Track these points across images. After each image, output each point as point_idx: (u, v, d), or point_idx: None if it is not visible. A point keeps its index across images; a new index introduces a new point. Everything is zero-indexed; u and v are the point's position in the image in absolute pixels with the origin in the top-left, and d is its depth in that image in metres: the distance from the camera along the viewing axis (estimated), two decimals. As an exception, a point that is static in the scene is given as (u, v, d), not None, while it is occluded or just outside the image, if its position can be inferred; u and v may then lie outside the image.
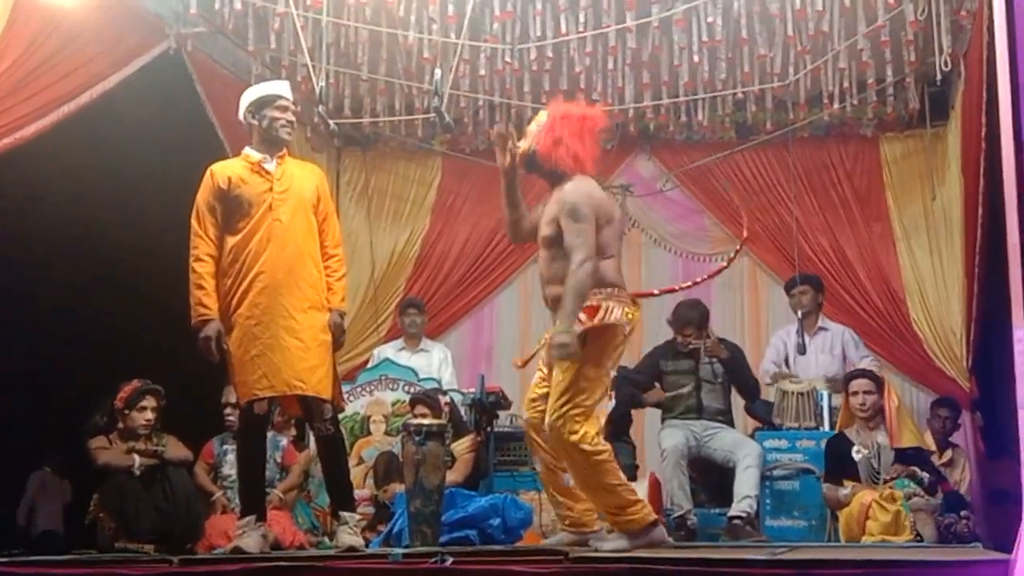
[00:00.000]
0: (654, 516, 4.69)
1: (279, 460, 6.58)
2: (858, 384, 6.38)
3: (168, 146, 6.61)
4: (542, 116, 4.90)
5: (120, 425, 5.90)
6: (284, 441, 6.64)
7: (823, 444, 6.50)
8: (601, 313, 4.61)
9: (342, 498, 5.25)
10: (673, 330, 7.01)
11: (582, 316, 4.59)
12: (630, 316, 4.70)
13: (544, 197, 4.93)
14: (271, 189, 5.11)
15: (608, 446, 4.68)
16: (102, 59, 6.08)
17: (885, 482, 6.07)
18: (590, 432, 4.60)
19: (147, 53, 6.42)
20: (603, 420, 4.83)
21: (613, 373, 4.87)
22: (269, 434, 6.35)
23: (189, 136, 6.76)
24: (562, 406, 4.61)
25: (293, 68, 7.19)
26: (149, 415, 5.92)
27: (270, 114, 5.16)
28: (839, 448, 6.29)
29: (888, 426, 6.25)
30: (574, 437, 4.58)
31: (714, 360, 6.89)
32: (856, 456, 6.21)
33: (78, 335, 6.62)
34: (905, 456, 6.15)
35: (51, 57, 5.72)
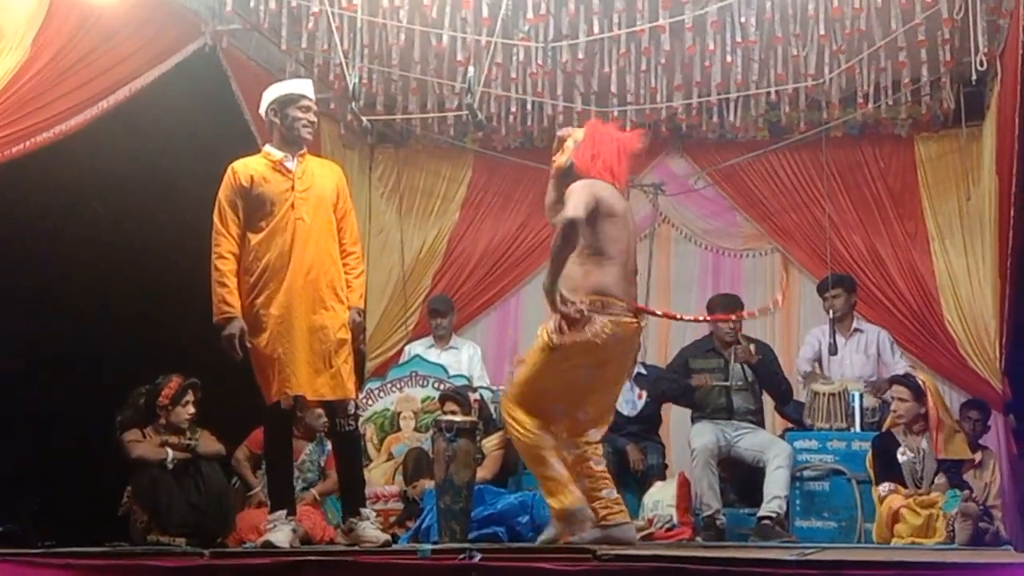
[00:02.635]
0: (576, 505, 4.75)
1: (322, 464, 6.58)
2: (892, 391, 6.37)
3: (204, 142, 6.64)
4: (579, 133, 5.02)
5: (162, 420, 5.96)
6: (329, 445, 6.64)
7: (854, 445, 6.49)
8: (578, 326, 4.62)
9: (358, 494, 5.28)
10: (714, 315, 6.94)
11: (563, 324, 4.64)
12: (609, 330, 4.67)
13: None
14: (292, 188, 5.13)
15: (542, 435, 4.75)
16: (139, 56, 6.13)
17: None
18: (527, 421, 4.76)
19: (183, 50, 6.49)
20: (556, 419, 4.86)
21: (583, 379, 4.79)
22: (317, 436, 6.43)
23: (224, 133, 6.80)
24: (515, 392, 4.84)
25: (326, 66, 7.22)
26: (192, 409, 6.00)
27: (292, 113, 5.17)
28: (885, 447, 6.26)
29: (933, 435, 6.16)
30: (510, 420, 4.82)
31: (745, 365, 6.88)
32: (901, 458, 6.16)
33: (114, 328, 6.68)
34: (944, 467, 6.08)
35: (88, 53, 5.79)
